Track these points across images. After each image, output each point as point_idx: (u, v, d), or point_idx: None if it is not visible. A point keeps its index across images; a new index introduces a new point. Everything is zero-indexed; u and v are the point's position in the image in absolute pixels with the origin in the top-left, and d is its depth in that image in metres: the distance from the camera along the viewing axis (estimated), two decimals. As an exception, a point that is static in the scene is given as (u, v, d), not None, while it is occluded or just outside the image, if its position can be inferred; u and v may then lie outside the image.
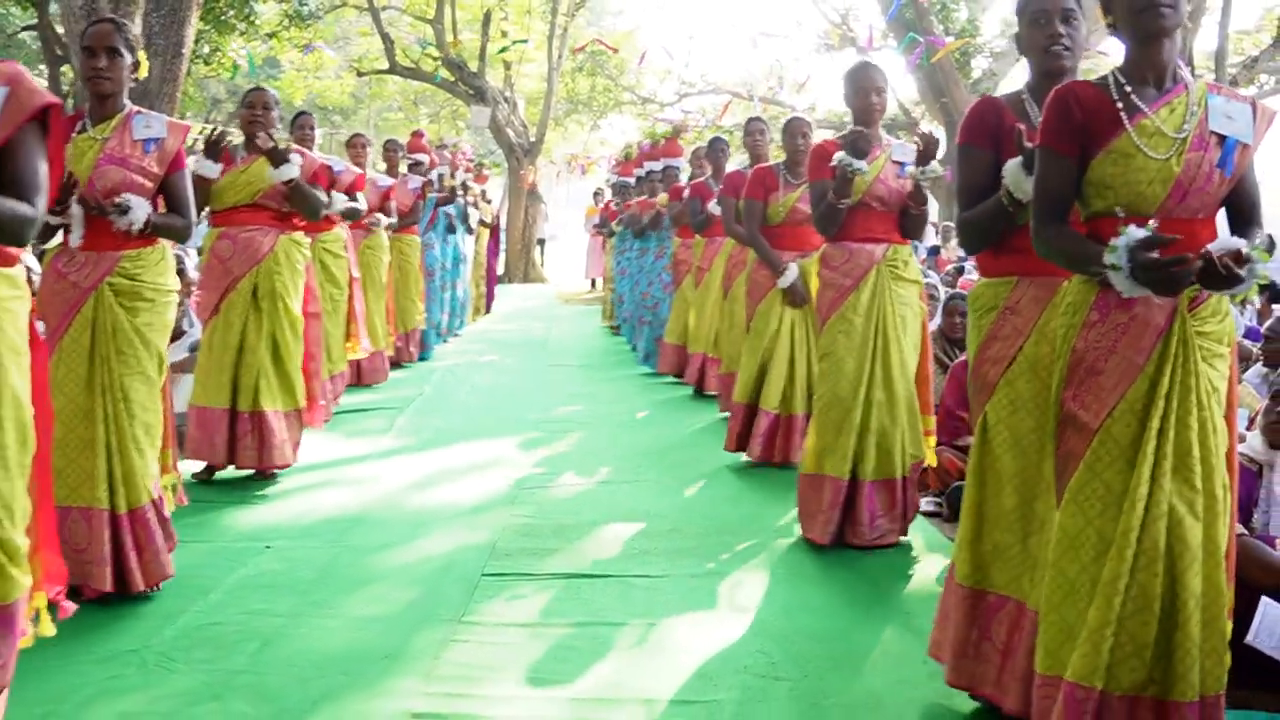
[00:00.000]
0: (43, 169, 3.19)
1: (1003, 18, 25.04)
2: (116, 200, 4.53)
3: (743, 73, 34.07)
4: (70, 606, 3.61)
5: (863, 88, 5.52)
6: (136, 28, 9.89)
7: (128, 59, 4.73)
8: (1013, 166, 3.45)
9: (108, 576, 4.45)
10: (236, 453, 6.54)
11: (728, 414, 8.30)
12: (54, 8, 19.67)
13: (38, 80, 3.26)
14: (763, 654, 4.17)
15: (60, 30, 19.48)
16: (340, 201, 8.36)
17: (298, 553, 5.31)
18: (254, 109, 6.61)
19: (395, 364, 11.27)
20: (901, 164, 5.54)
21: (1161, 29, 2.99)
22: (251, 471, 6.62)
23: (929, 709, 3.74)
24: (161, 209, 4.81)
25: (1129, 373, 2.97)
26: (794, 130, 7.13)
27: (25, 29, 22.28)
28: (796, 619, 4.56)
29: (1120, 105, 3.01)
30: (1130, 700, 2.92)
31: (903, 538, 5.56)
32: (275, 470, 6.65)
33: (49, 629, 3.44)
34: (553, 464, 7.38)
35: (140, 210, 4.58)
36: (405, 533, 5.72)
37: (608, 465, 7.35)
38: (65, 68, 19.16)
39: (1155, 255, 2.72)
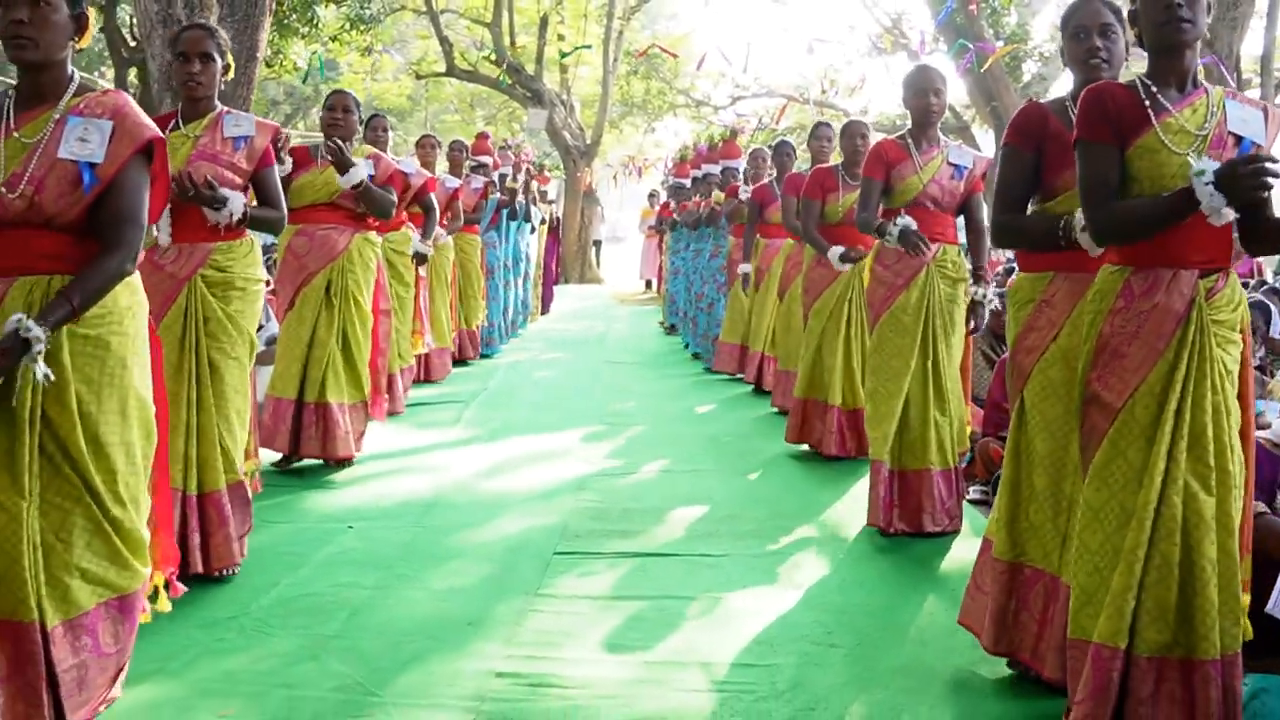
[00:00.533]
0: (145, 202, 3.45)
1: (1052, 22, 25.03)
2: (215, 193, 4.80)
3: (796, 76, 34.14)
4: (181, 588, 3.92)
5: (922, 89, 5.75)
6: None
7: (219, 63, 4.96)
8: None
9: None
10: (301, 442, 6.78)
11: (780, 408, 8.57)
12: (121, 12, 20.21)
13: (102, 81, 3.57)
14: (819, 624, 4.44)
15: (127, 34, 20.02)
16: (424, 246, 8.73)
17: (378, 532, 5.63)
18: (334, 111, 6.85)
19: (458, 361, 11.60)
20: (957, 166, 5.76)
21: (1182, 41, 3.25)
22: (322, 461, 6.91)
23: (970, 675, 3.99)
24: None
25: (1150, 357, 3.21)
26: (853, 133, 7.35)
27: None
28: (850, 594, 4.82)
29: (1148, 104, 3.27)
30: (1158, 662, 3.17)
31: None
32: (340, 460, 6.94)
33: (165, 606, 3.74)
34: (617, 454, 7.67)
35: (236, 202, 4.87)
36: (479, 515, 6.03)
37: (669, 455, 7.63)
38: (131, 70, 19.62)
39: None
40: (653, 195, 25.58)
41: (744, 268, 9.57)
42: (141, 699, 3.65)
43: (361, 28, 20.42)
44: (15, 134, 3.34)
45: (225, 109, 5.06)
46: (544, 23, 28.31)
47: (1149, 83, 3.32)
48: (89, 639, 3.36)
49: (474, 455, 7.53)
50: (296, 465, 6.88)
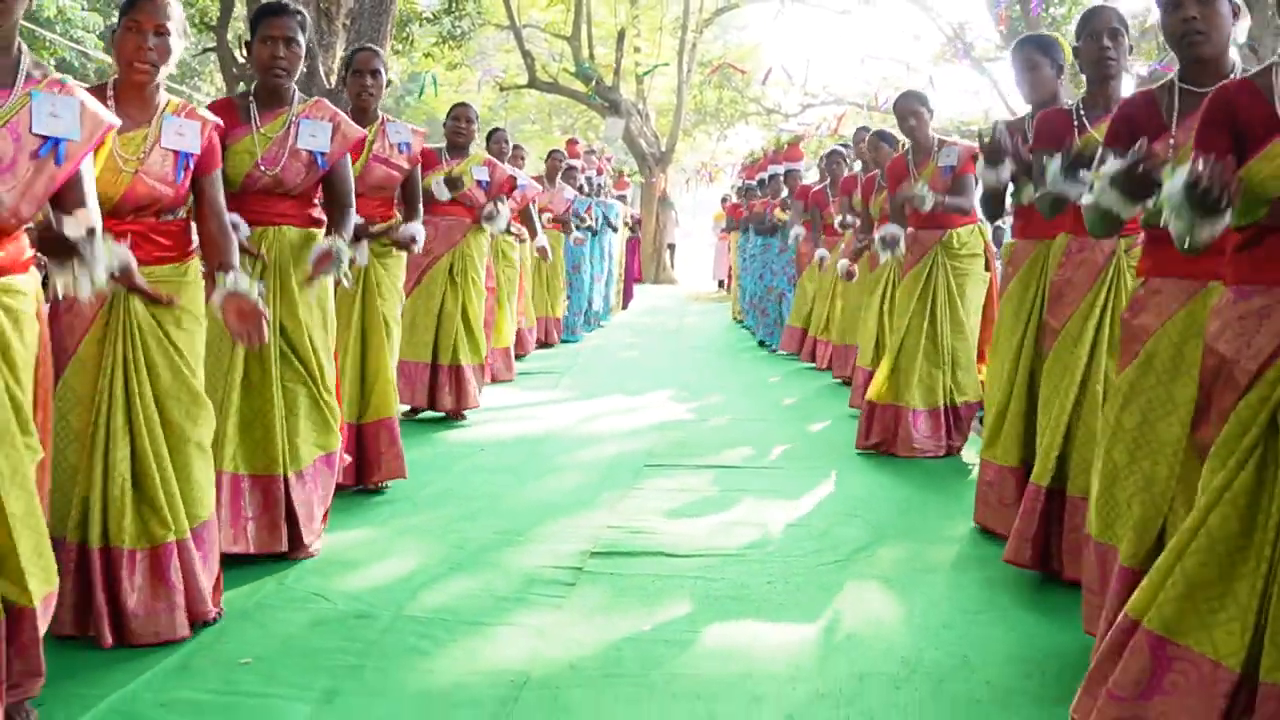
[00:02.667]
0: (352, 184, 5.00)
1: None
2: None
3: (863, 84, 35.35)
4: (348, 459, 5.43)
5: (899, 113, 7.18)
6: (340, 52, 11.81)
7: (383, 78, 6.23)
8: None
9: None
10: (436, 398, 8.13)
11: (843, 378, 9.91)
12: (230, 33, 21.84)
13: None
14: (850, 499, 5.89)
15: (236, 53, 21.65)
16: (501, 221, 9.83)
17: (504, 455, 7.08)
18: (459, 121, 8.29)
19: (541, 344, 13.10)
20: (943, 167, 6.98)
21: (1108, 74, 4.49)
22: (444, 415, 8.29)
23: (965, 556, 5.35)
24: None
25: (1081, 291, 4.52)
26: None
27: (203, 51, 24.48)
28: (873, 490, 6.22)
29: (1076, 124, 4.56)
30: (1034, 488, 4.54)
31: (957, 453, 7.11)
32: (465, 411, 8.30)
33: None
34: (692, 409, 9.11)
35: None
36: (581, 444, 7.50)
37: (738, 412, 9.06)
38: (241, 85, 21.26)
39: None
40: (725, 199, 26.94)
41: (843, 264, 9.86)
42: (354, 539, 5.10)
43: (454, 44, 21.90)
44: (261, 130, 4.79)
45: (387, 117, 6.26)
46: (621, 36, 29.80)
47: (1080, 107, 4.57)
48: (311, 485, 4.82)
49: (572, 407, 9.03)
50: (421, 416, 8.27)
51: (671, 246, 32.13)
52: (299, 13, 4.75)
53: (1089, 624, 3.78)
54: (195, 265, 4.01)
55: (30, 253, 3.15)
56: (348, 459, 5.39)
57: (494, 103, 36.60)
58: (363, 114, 6.03)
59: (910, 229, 7.07)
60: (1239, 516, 2.75)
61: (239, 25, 21.40)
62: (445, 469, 6.61)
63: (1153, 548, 3.27)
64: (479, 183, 8.27)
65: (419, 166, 6.47)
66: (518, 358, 11.70)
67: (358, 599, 4.31)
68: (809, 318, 12.01)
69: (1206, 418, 2.90)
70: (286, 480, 4.72)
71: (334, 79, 11.57)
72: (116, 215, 3.72)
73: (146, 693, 3.41)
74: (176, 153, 3.84)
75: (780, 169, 14.05)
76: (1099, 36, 4.47)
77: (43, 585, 3.09)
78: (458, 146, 8.30)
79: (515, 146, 12.42)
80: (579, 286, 14.64)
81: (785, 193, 13.33)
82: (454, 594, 4.43)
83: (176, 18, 3.74)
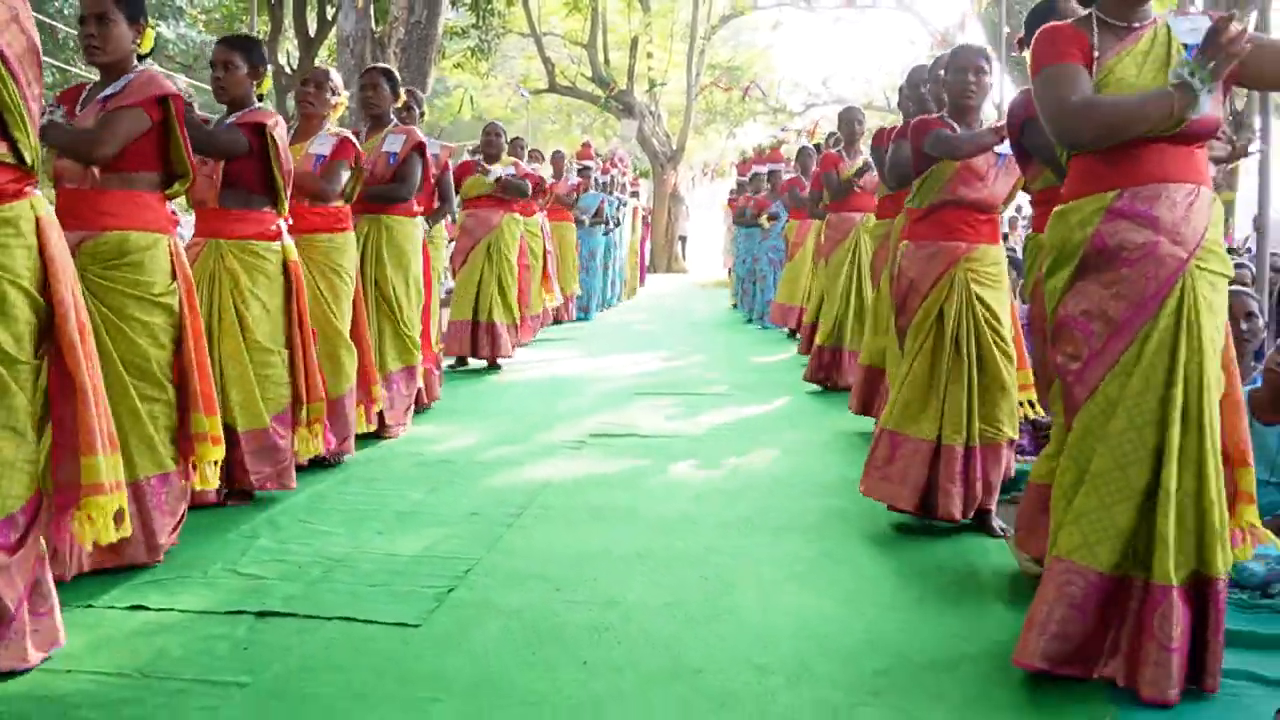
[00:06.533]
0: (419, 175, 7.37)
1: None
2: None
3: (864, 84, 37.70)
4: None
5: (846, 119, 9.44)
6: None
7: (384, 90, 7.61)
8: None
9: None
10: (476, 348, 10.51)
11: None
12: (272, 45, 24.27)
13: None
14: (778, 410, 8.27)
15: (286, 66, 24.09)
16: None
17: (535, 391, 9.51)
18: (489, 135, 10.76)
19: (555, 320, 15.41)
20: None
21: (969, 105, 5.22)
22: (485, 364, 10.72)
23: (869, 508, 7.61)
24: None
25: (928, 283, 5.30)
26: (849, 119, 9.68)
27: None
28: (801, 403, 8.61)
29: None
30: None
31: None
32: (499, 361, 10.67)
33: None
34: (679, 362, 11.64)
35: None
36: (589, 381, 9.99)
37: (715, 364, 11.57)
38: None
39: None
40: (731, 193, 29.23)
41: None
42: (430, 432, 7.50)
43: (483, 56, 24.28)
44: (368, 141, 7.19)
45: (395, 129, 7.46)
46: (634, 43, 32.17)
47: (950, 120, 5.18)
48: (396, 386, 7.23)
49: (586, 361, 11.56)
50: (464, 369, 10.69)
51: (683, 238, 34.55)
52: (240, 41, 5.69)
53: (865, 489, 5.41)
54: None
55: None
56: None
57: (516, 104, 39.05)
58: (376, 120, 7.48)
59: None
60: (927, 364, 5.12)
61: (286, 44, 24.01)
62: (485, 399, 9.06)
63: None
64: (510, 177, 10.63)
65: (449, 171, 8.87)
66: (544, 327, 14.14)
67: (441, 455, 6.74)
68: (792, 294, 14.13)
69: (904, 313, 5.26)
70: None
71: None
72: None
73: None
74: None
75: (764, 169, 16.41)
76: (964, 72, 5.17)
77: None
78: (490, 156, 10.69)
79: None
80: (593, 272, 17.04)
81: (767, 190, 15.66)
82: (501, 454, 6.87)
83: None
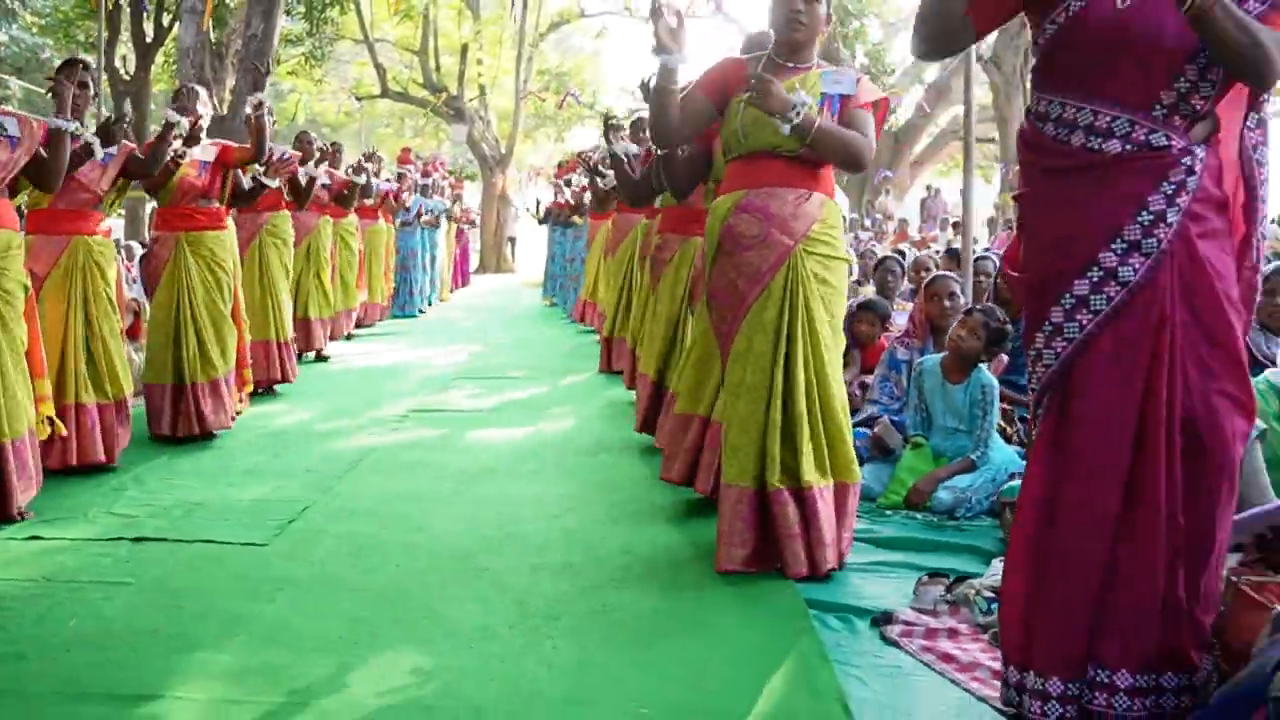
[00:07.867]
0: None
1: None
2: None
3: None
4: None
5: None
6: (230, 86, 15.02)
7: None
8: None
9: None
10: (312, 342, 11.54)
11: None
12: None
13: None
14: (565, 387, 9.41)
15: (123, 71, 24.52)
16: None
17: (364, 377, 10.55)
18: (302, 142, 11.62)
19: (380, 318, 16.06)
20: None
21: (796, 40, 4.56)
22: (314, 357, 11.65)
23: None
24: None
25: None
26: None
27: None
28: (589, 383, 9.75)
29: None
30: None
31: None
32: (319, 352, 11.55)
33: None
34: (494, 352, 12.76)
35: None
36: (415, 372, 11.03)
37: (525, 353, 12.73)
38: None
39: None
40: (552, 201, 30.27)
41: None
42: (271, 409, 8.48)
43: (317, 63, 25.04)
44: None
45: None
46: (465, 49, 33.05)
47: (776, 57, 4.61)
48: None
49: (409, 351, 12.63)
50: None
51: (512, 239, 35.55)
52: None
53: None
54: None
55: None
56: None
57: (349, 109, 39.59)
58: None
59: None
60: (705, 341, 6.18)
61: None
62: (328, 380, 10.13)
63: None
64: (323, 185, 11.50)
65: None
66: (369, 324, 15.06)
67: (281, 427, 7.76)
68: (593, 291, 14.92)
69: (697, 293, 6.38)
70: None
71: (225, 108, 14.80)
72: None
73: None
74: None
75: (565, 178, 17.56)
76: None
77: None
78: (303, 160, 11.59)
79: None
80: (411, 268, 17.59)
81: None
82: (334, 426, 7.91)
83: None
